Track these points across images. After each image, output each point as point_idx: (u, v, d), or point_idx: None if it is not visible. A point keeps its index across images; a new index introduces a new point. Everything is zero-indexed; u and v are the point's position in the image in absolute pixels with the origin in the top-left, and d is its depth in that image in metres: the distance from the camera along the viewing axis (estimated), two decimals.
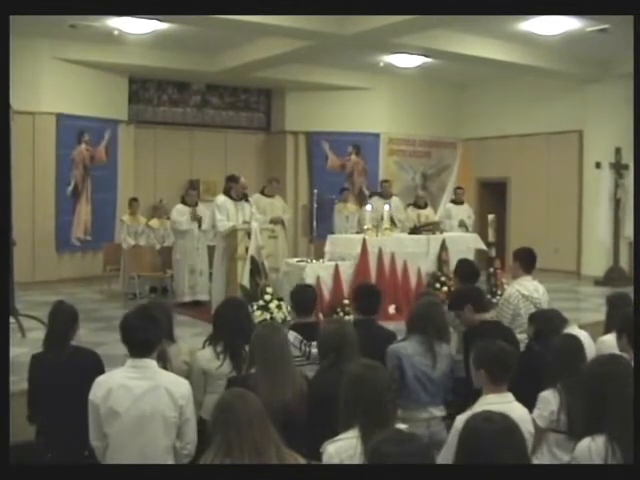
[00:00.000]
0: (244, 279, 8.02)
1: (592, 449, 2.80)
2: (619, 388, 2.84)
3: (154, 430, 3.28)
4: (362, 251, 8.59)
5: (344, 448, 2.83)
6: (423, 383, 4.25)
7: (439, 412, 4.31)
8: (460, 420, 2.96)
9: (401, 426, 2.98)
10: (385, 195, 11.29)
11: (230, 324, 4.19)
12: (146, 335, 3.39)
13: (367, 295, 4.97)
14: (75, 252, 11.53)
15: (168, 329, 4.18)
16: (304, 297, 4.95)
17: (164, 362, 3.96)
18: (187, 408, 3.36)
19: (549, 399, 3.66)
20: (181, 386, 3.39)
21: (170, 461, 3.34)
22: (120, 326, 3.47)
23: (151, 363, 3.39)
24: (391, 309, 8.30)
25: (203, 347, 4.31)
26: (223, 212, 8.55)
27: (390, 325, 5.13)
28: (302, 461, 2.76)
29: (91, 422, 3.36)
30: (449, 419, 4.17)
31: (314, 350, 4.37)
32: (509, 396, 3.40)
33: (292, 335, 4.53)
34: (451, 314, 5.24)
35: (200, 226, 9.72)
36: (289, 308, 7.26)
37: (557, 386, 3.68)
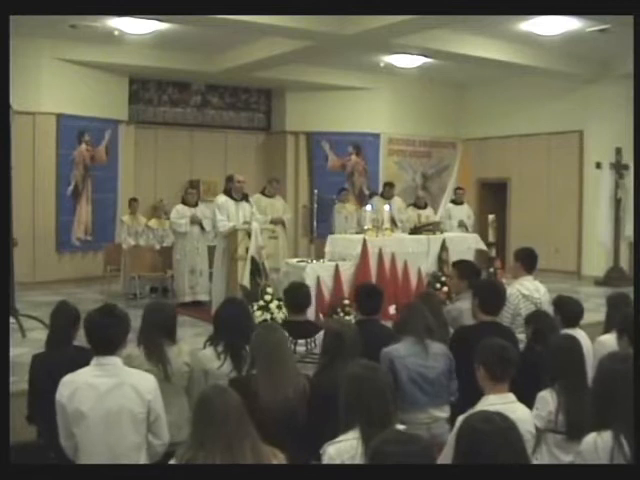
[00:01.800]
0: (244, 279, 8.02)
1: (598, 444, 2.78)
2: (629, 385, 2.82)
3: (122, 427, 3.27)
4: (362, 251, 8.58)
5: (344, 449, 2.81)
6: (419, 384, 4.14)
7: (442, 413, 4.17)
8: (461, 420, 2.95)
9: (401, 427, 2.96)
10: (387, 197, 11.30)
11: (230, 324, 4.18)
12: (109, 333, 3.38)
13: (369, 295, 4.95)
14: (75, 252, 11.53)
15: (171, 330, 4.16)
16: (296, 295, 5.00)
17: (164, 364, 3.94)
18: (155, 403, 3.35)
19: (547, 399, 3.64)
20: (147, 381, 3.38)
21: (142, 458, 3.33)
22: (84, 324, 3.45)
23: (115, 360, 3.37)
24: (391, 309, 8.28)
25: (204, 347, 4.30)
26: (223, 212, 8.55)
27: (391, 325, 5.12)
28: (281, 457, 2.73)
29: (59, 422, 3.35)
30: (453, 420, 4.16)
31: (299, 348, 4.45)
32: (510, 397, 3.38)
33: None
34: (450, 315, 5.24)
35: (203, 228, 9.73)
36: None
37: (555, 386, 3.66)
